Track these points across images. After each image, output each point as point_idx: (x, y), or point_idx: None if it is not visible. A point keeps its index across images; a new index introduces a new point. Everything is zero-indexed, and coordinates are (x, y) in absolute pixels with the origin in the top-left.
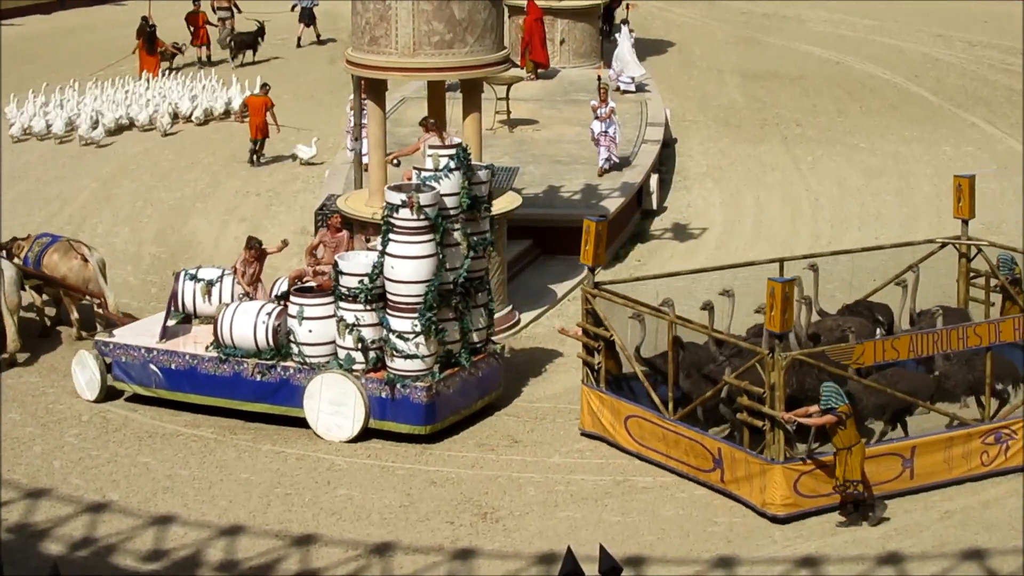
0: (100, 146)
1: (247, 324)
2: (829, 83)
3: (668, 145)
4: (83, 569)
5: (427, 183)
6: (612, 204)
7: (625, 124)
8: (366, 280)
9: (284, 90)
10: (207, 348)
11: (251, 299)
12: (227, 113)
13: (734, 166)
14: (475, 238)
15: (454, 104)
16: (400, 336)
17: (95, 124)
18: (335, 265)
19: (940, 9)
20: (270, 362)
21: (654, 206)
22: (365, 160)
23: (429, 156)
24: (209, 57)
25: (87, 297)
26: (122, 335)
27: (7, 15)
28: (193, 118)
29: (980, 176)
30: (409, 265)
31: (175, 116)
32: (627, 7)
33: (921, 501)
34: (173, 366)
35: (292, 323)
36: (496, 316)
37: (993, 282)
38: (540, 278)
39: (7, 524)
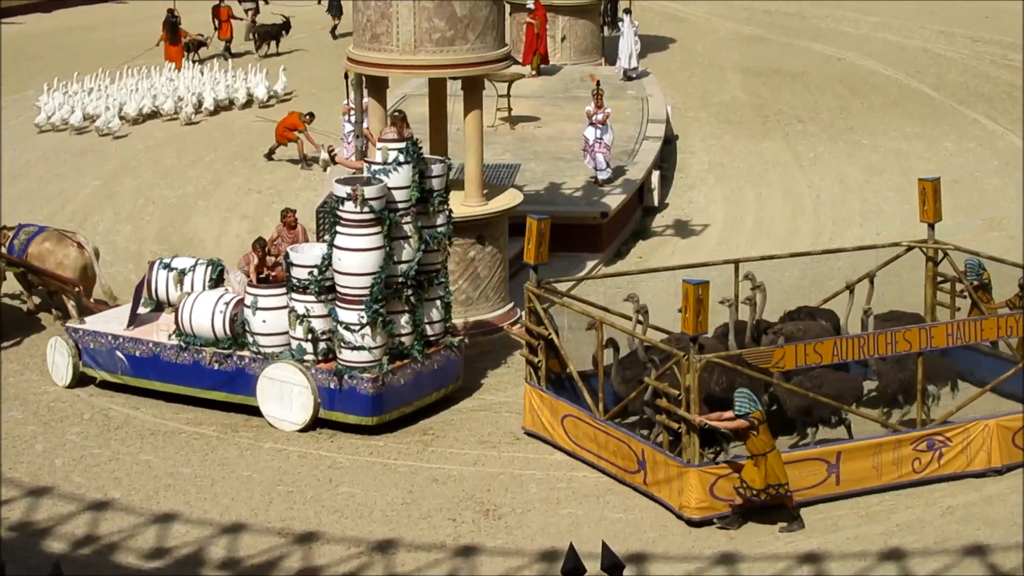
0: (116, 137)
1: (206, 313)
2: (831, 79)
3: (670, 142)
4: (85, 567)
5: (377, 176)
6: (614, 201)
7: (626, 121)
8: (315, 272)
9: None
10: (170, 336)
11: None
12: (248, 103)
13: (736, 163)
14: (429, 232)
15: (455, 101)
16: (347, 327)
17: (119, 113)
18: (286, 256)
19: (942, 6)
20: (227, 351)
21: (656, 203)
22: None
23: (379, 149)
24: (230, 49)
25: (77, 286)
26: (93, 322)
27: (7, 13)
28: (205, 108)
29: (981, 172)
30: (356, 257)
31: (199, 106)
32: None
33: (923, 497)
34: (138, 353)
35: (247, 313)
36: (497, 313)
37: (960, 287)
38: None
39: (9, 522)
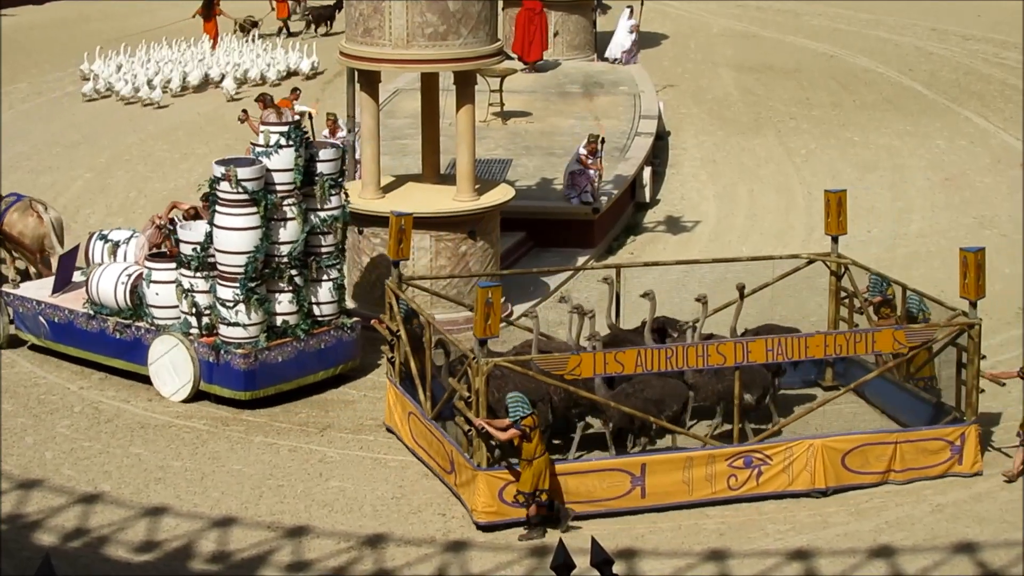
0: (160, 107)
1: (110, 283)
2: (823, 76)
3: (661, 138)
4: (75, 560)
5: (258, 158)
6: (606, 197)
7: (618, 117)
8: (199, 248)
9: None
10: (83, 304)
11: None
12: (294, 73)
13: (728, 159)
14: (320, 215)
15: (447, 96)
16: (224, 304)
17: (165, 84)
18: (175, 232)
19: (934, 4)
20: (127, 321)
21: (647, 199)
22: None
23: (261, 132)
24: (287, 28)
25: (34, 254)
26: (26, 288)
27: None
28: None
29: (972, 170)
30: (231, 236)
31: (244, 81)
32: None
33: (912, 494)
34: (56, 319)
35: (143, 285)
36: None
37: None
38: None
39: None
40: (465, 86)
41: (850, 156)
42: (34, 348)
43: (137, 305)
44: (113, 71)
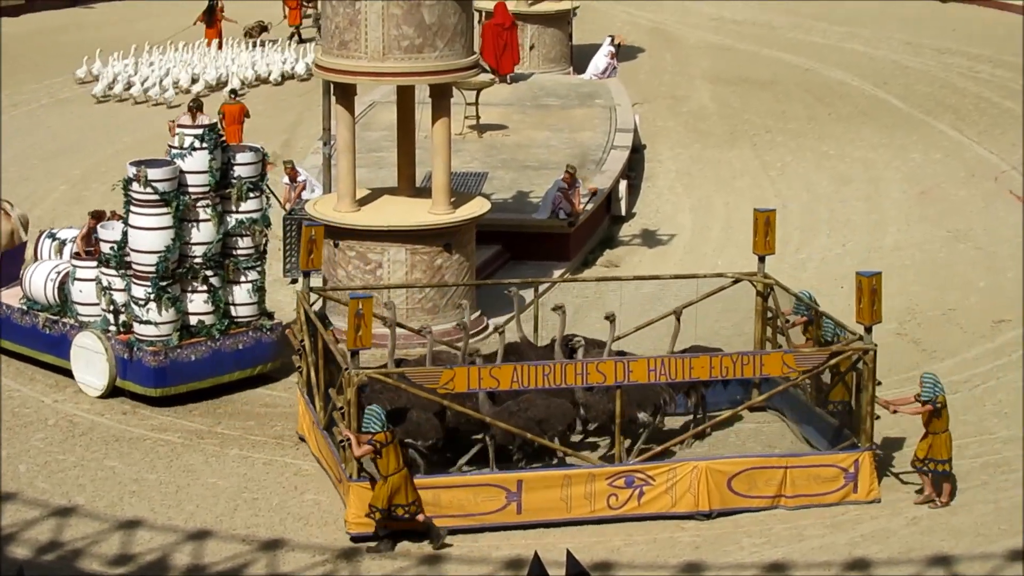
0: (171, 106)
1: (41, 280)
2: (799, 89)
3: (637, 150)
4: (49, 573)
5: (174, 159)
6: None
7: (594, 129)
8: (115, 247)
9: None
10: (20, 300)
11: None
12: (290, 76)
13: (704, 172)
14: (238, 217)
15: (423, 109)
16: (136, 302)
17: (175, 84)
18: (96, 231)
19: (909, 16)
20: (55, 317)
21: (623, 212)
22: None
23: (176, 134)
24: (299, 35)
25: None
26: None
27: None
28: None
29: (947, 183)
30: (144, 235)
31: (243, 82)
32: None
33: (888, 507)
34: None
35: (69, 282)
36: (465, 321)
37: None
38: None
39: None
40: (441, 99)
41: (825, 169)
42: None
43: (64, 301)
44: (120, 71)
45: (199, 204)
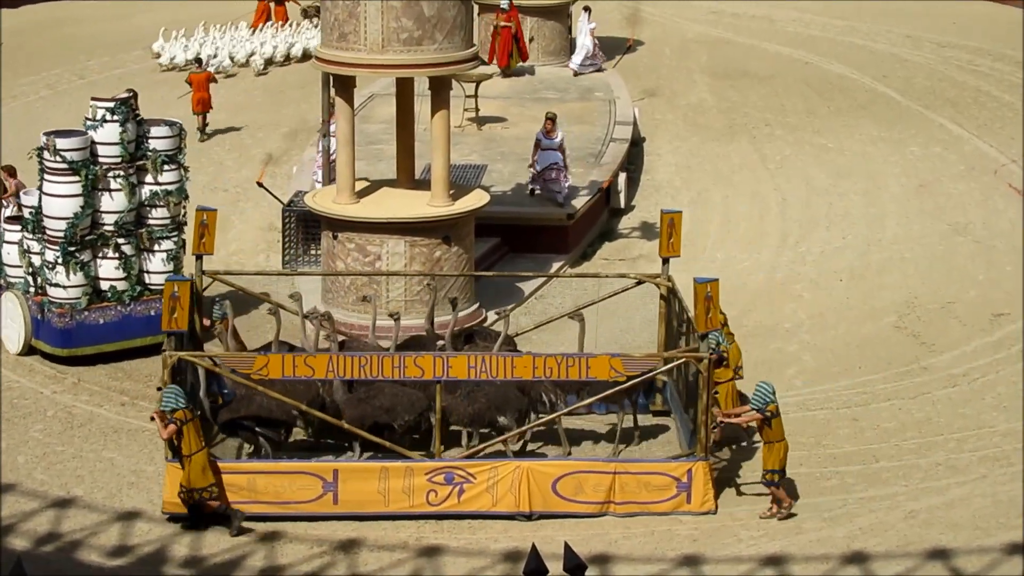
0: (228, 75)
1: None
2: (798, 83)
3: (636, 144)
4: (48, 564)
5: (88, 130)
6: (580, 202)
7: (593, 123)
8: (34, 212)
9: None
10: None
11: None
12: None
13: (702, 165)
14: (153, 188)
15: (422, 101)
16: (47, 265)
17: (229, 59)
18: (18, 196)
19: (909, 10)
20: None
21: (622, 205)
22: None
23: (90, 107)
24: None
25: None
26: None
27: None
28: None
29: (946, 177)
30: (54, 202)
31: (269, 60)
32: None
33: (885, 500)
34: None
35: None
36: (462, 313)
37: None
38: None
39: None
40: (440, 91)
41: (824, 162)
42: None
43: None
44: (180, 49)
45: (110, 174)
